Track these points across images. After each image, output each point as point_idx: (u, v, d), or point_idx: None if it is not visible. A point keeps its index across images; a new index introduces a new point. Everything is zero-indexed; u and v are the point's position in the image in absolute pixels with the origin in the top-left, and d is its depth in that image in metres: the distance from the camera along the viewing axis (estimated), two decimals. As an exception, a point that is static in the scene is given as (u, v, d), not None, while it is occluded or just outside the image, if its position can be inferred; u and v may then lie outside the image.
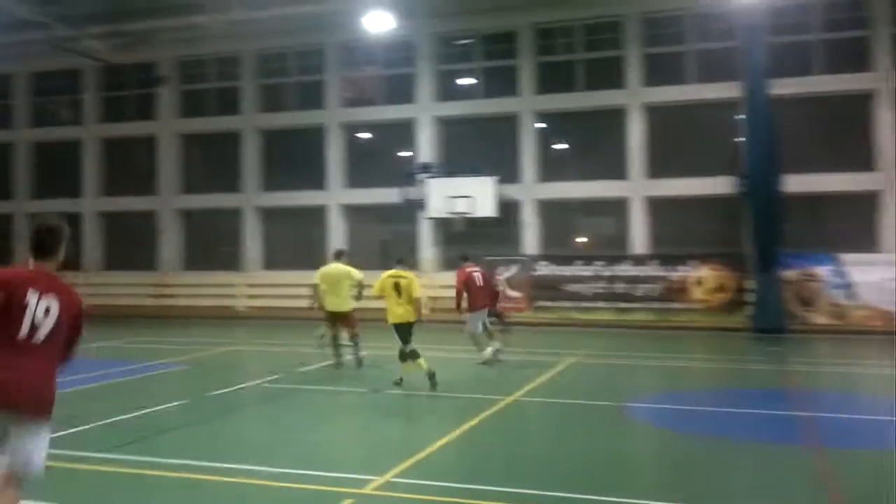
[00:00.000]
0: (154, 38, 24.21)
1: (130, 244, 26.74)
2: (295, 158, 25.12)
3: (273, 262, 24.99)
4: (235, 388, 11.81)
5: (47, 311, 4.17)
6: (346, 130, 24.56)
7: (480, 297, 13.82)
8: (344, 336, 13.50)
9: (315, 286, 13.50)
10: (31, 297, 4.09)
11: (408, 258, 12.85)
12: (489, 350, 13.98)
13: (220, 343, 17.61)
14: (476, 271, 14.04)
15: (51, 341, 4.18)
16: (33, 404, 4.08)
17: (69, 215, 26.68)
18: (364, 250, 22.24)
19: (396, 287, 11.62)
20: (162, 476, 7.02)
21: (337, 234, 24.08)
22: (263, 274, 24.76)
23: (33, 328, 4.11)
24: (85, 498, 6.47)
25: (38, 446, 4.14)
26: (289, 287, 21.79)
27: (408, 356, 11.62)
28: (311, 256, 22.16)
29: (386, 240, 24.58)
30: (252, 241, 25.26)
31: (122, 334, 19.11)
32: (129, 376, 12.91)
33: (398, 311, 11.62)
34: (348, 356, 13.48)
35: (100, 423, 9.12)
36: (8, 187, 27.90)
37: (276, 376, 12.71)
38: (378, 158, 24.46)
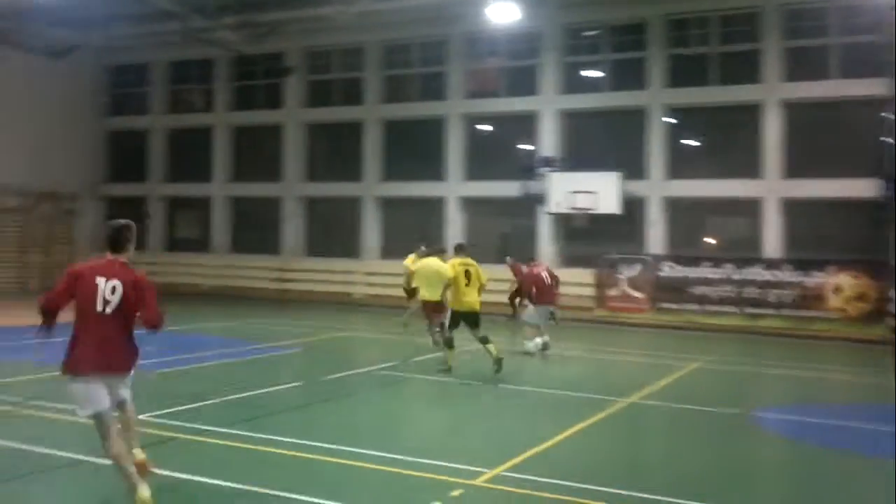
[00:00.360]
0: (283, 29, 24.91)
1: (255, 229, 27.66)
2: (415, 149, 25.36)
3: (391, 251, 25.27)
4: (349, 373, 12.06)
5: (113, 289, 5.52)
6: (467, 122, 24.58)
7: (546, 294, 14.93)
8: (431, 322, 14.18)
9: (408, 273, 14.85)
10: (100, 280, 5.50)
11: (467, 247, 13.35)
12: (538, 341, 14.58)
13: (337, 328, 18.03)
14: (543, 270, 15.36)
15: (119, 312, 5.55)
16: (119, 365, 5.67)
17: (199, 199, 28.06)
18: (482, 243, 22.15)
19: (467, 274, 12.17)
20: (278, 454, 7.22)
21: (454, 225, 24.15)
22: (381, 262, 25.07)
23: (105, 303, 5.51)
24: (205, 468, 6.71)
25: (127, 389, 5.84)
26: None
27: (453, 343, 12.10)
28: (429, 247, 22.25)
29: (505, 233, 24.46)
30: (371, 230, 25.64)
31: (244, 315, 19.84)
32: (248, 356, 13.38)
33: (467, 299, 12.11)
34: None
35: (219, 399, 9.51)
36: (143, 171, 29.31)
37: (393, 363, 12.92)
38: (498, 151, 24.39)
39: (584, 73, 23.36)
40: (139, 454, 6.04)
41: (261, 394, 10.02)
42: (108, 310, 5.50)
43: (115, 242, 5.66)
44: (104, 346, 5.52)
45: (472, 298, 12.13)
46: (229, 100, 28.21)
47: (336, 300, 24.45)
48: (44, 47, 26.32)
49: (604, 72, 23.09)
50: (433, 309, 13.85)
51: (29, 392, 9.41)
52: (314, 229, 27.01)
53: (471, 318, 12.07)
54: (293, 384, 10.87)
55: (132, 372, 5.83)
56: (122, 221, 5.83)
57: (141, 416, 7.88)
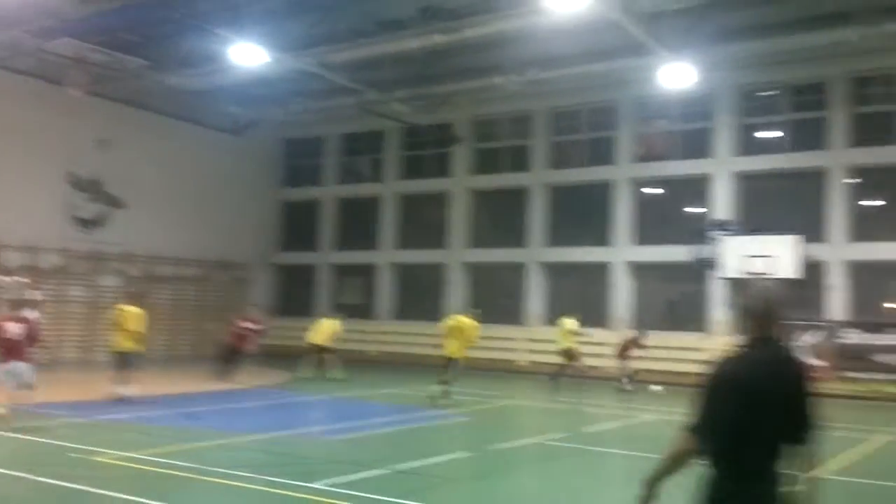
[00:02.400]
0: (453, 100, 26.69)
1: (420, 295, 29.02)
2: (582, 214, 26.26)
3: (556, 317, 25.84)
4: (518, 443, 12.49)
5: None
6: (636, 186, 25.29)
7: None
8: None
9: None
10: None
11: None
12: None
13: (501, 396, 18.49)
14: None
15: None
16: None
17: (366, 266, 29.80)
18: (649, 309, 22.50)
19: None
20: None
21: (621, 291, 24.57)
22: (546, 329, 25.69)
23: None
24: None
25: None
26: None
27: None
28: (595, 313, 22.86)
29: (672, 299, 24.62)
30: (535, 296, 26.43)
31: (408, 382, 20.77)
32: (416, 423, 14.13)
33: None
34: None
35: (389, 469, 9.97)
36: (314, 239, 31.58)
37: (563, 434, 13.25)
38: (667, 215, 25.01)
39: (760, 134, 23.64)
40: None
41: (431, 463, 10.42)
42: None
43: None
44: None
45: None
46: (398, 169, 30.20)
47: (499, 367, 25.22)
48: (224, 124, 29.38)
49: (781, 132, 23.19)
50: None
51: (205, 459, 10.12)
52: (477, 295, 28.02)
53: None
54: (462, 454, 11.23)
55: None
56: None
57: (315, 485, 8.90)
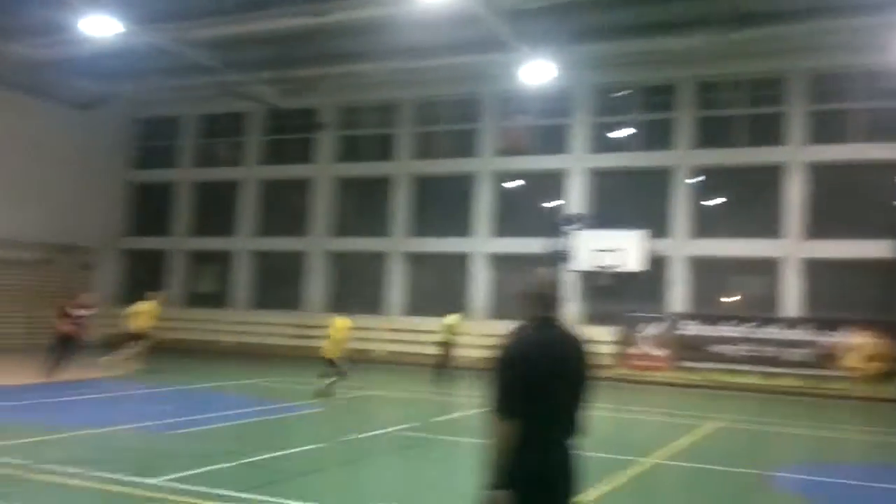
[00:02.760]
0: (319, 85, 26.54)
1: (279, 284, 28.66)
2: (444, 205, 26.67)
3: (416, 307, 26.21)
4: (371, 433, 12.41)
5: None
6: (497, 178, 25.93)
7: None
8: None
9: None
10: None
11: None
12: None
13: (356, 387, 18.24)
14: None
15: None
16: None
17: (223, 253, 29.16)
18: (507, 299, 23.12)
19: None
20: None
21: (480, 281, 25.14)
22: (405, 319, 26.00)
23: None
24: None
25: None
26: (429, 333, 22.47)
27: None
28: (455, 303, 23.34)
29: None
30: (396, 286, 26.66)
31: (263, 373, 20.45)
32: (268, 416, 13.75)
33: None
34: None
35: (237, 462, 9.73)
36: (167, 224, 30.70)
37: (414, 424, 13.30)
38: (526, 208, 25.79)
39: (612, 132, 24.72)
40: None
41: (281, 455, 10.27)
42: None
43: None
44: None
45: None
46: (259, 154, 29.67)
47: (356, 358, 25.06)
48: (72, 98, 27.74)
49: (633, 131, 24.34)
50: None
51: (36, 455, 9.60)
52: (338, 284, 28.01)
53: None
54: (315, 445, 11.08)
55: None
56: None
57: (153, 481, 8.58)
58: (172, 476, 8.84)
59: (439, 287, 26.35)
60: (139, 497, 8.06)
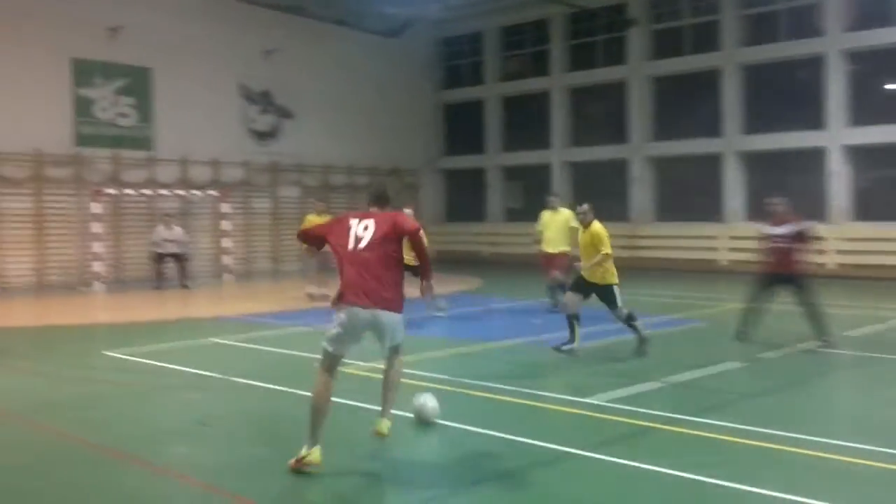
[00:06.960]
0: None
1: (600, 194, 27.77)
2: (785, 95, 24.15)
3: (758, 212, 24.26)
4: (781, 351, 11.19)
5: (366, 227, 6.36)
6: (849, 59, 22.88)
7: None
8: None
9: None
10: (353, 221, 6.44)
11: None
12: None
13: (723, 299, 17.02)
14: None
15: (372, 248, 6.29)
16: (378, 298, 6.25)
17: (538, 167, 28.83)
18: (879, 199, 20.72)
19: None
20: (741, 443, 6.83)
21: (839, 180, 22.69)
22: (746, 226, 24.19)
23: (357, 240, 6.33)
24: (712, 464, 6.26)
25: (395, 338, 6.46)
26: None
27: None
28: (810, 207, 21.19)
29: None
30: (733, 191, 24.87)
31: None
32: (652, 329, 11.87)
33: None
34: None
35: (662, 382, 9.23)
36: (481, 142, 30.87)
37: (821, 342, 11.41)
38: (889, 89, 22.51)
39: None
40: (383, 424, 6.42)
41: (701, 376, 9.57)
42: (361, 245, 6.31)
43: (374, 201, 6.72)
44: (362, 276, 6.24)
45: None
46: (565, 61, 28.79)
47: (697, 268, 23.98)
48: (381, 27, 28.81)
49: None
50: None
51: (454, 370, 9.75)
52: (665, 192, 26.69)
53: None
54: (733, 364, 10.27)
55: (400, 317, 6.44)
56: (384, 187, 7.10)
57: (591, 400, 8.21)
58: (608, 395, 8.48)
59: (786, 190, 24.00)
60: (594, 418, 7.73)
